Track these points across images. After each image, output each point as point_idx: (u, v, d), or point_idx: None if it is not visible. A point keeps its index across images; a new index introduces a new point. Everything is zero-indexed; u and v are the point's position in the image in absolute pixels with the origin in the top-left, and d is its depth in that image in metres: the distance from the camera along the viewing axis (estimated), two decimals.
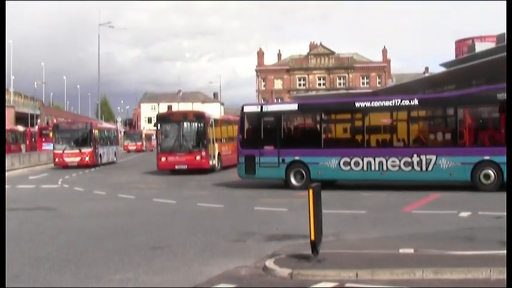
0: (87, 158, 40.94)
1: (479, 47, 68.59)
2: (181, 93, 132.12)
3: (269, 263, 9.43)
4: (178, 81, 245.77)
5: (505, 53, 41.46)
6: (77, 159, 40.84)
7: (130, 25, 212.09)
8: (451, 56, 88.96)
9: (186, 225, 14.47)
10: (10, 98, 75.39)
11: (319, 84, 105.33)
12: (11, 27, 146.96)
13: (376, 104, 22.81)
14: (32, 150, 55.39)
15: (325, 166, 22.32)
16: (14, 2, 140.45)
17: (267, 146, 23.42)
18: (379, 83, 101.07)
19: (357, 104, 22.78)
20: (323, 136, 23.25)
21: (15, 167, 40.74)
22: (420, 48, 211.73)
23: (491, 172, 20.01)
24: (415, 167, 20.99)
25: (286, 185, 23.13)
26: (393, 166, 21.34)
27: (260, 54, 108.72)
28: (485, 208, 15.74)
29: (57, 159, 41.42)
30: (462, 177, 20.42)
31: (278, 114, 23.81)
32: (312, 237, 9.42)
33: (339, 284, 8.39)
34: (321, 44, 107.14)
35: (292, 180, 22.98)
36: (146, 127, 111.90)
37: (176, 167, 32.53)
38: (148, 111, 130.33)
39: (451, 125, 21.38)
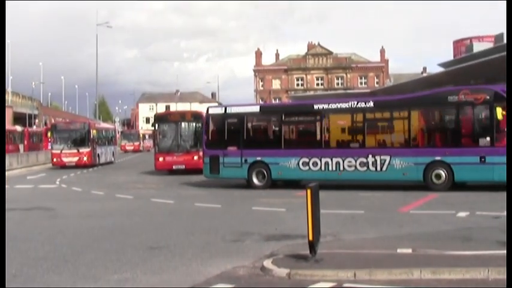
0: (85, 158, 40.95)
1: (477, 47, 68.66)
2: (179, 93, 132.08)
3: (267, 263, 9.43)
4: (176, 81, 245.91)
5: (504, 53, 41.48)
6: (75, 159, 40.85)
7: (128, 25, 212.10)
8: (449, 56, 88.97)
9: (184, 225, 14.47)
10: (8, 98, 75.25)
11: (317, 84, 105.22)
12: (9, 27, 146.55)
13: (333, 106, 23.39)
14: (31, 150, 55.33)
15: (285, 166, 23.03)
16: (12, 1, 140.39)
17: (231, 147, 24.20)
18: (377, 83, 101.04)
19: (315, 107, 23.60)
20: (283, 137, 23.96)
21: (13, 167, 40.74)
22: (418, 49, 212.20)
23: (442, 172, 20.60)
24: (370, 167, 21.65)
25: (248, 184, 23.74)
26: (349, 166, 22.01)
27: (258, 54, 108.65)
28: (483, 208, 15.74)
29: (55, 159, 41.44)
30: (415, 177, 21.00)
31: (241, 116, 24.54)
32: (310, 237, 9.42)
33: (336, 284, 8.39)
34: (319, 44, 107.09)
35: (254, 180, 23.66)
36: (144, 127, 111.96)
37: (174, 167, 32.56)
38: (146, 111, 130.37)
39: (405, 126, 21.86)
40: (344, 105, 23.24)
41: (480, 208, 15.73)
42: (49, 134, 46.59)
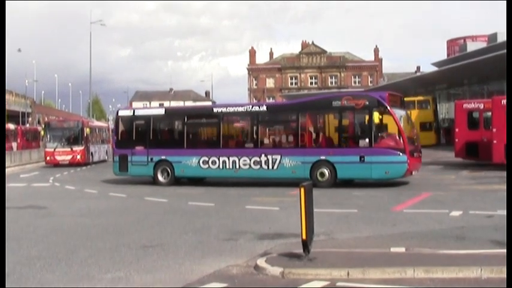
0: (78, 157, 40.85)
1: (471, 46, 68.96)
2: (173, 91, 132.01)
3: (260, 262, 9.43)
4: (170, 80, 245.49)
5: (497, 53, 41.59)
6: (68, 157, 40.73)
7: (121, 24, 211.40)
8: (442, 55, 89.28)
9: (177, 224, 14.46)
10: None
11: (311, 83, 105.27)
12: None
13: (230, 109, 25.42)
14: (24, 148, 55.12)
15: (187, 165, 24.87)
16: (6, 0, 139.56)
17: (138, 147, 26.08)
18: (370, 82, 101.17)
19: (215, 110, 26.22)
20: (186, 138, 25.75)
21: (6, 165, 40.55)
22: (412, 48, 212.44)
23: (325, 170, 22.40)
24: (263, 165, 23.50)
25: (154, 181, 25.39)
26: (245, 165, 23.85)
27: (252, 53, 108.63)
28: (476, 207, 15.77)
29: (48, 158, 41.31)
30: (302, 174, 22.41)
31: (148, 118, 26.69)
32: (304, 236, 9.43)
33: (330, 283, 8.40)
34: (312, 43, 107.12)
35: (159, 177, 25.43)
36: None
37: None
38: None
39: (294, 128, 23.82)
40: (240, 109, 25.30)
41: (473, 207, 15.76)
42: (42, 133, 46.46)
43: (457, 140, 30.47)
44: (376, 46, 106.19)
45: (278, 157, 23.21)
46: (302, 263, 9.31)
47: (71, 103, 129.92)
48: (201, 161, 24.56)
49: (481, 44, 68.73)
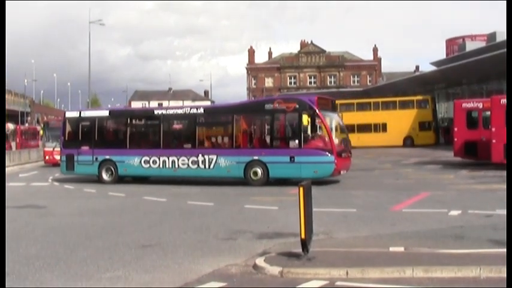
0: None
1: (470, 45, 69.02)
2: (171, 91, 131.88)
3: (259, 261, 9.43)
4: (169, 79, 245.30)
5: (496, 52, 41.62)
6: None
7: (120, 24, 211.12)
8: (441, 54, 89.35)
9: (176, 223, 14.46)
10: None
11: (310, 83, 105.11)
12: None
13: (170, 112, 27.22)
14: (23, 148, 55.09)
15: (130, 164, 25.98)
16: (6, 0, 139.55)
17: (84, 147, 27.23)
18: (369, 81, 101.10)
19: (156, 112, 27.52)
20: (128, 138, 26.94)
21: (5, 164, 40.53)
22: (411, 47, 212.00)
23: (258, 170, 23.50)
24: (200, 165, 24.60)
25: (99, 180, 26.41)
26: (183, 164, 24.96)
27: (251, 53, 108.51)
28: (475, 207, 15.76)
29: (47, 157, 41.20)
30: (237, 174, 23.95)
31: (93, 119, 27.93)
32: (303, 236, 9.42)
33: (329, 282, 8.40)
34: (311, 42, 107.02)
35: (104, 176, 26.59)
36: None
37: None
38: None
39: (229, 130, 24.93)
40: (179, 111, 27.10)
41: (472, 207, 15.75)
42: (41, 132, 46.40)
43: (456, 139, 30.45)
44: (375, 45, 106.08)
45: (214, 157, 24.32)
46: (301, 262, 9.31)
47: (70, 102, 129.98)
48: (142, 161, 25.68)
49: (480, 44, 68.80)
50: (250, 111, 25.52)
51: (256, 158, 23.55)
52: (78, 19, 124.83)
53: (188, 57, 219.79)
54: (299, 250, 9.62)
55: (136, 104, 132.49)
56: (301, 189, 9.45)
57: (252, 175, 23.52)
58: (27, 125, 75.44)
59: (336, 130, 24.55)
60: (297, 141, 22.96)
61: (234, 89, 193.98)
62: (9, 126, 59.48)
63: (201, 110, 25.82)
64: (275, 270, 8.97)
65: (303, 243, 9.51)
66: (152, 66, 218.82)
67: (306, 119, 22.19)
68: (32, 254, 11.00)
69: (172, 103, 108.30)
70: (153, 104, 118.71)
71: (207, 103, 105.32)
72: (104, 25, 62.51)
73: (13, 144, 56.53)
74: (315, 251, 9.74)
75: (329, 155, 22.44)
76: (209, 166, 24.38)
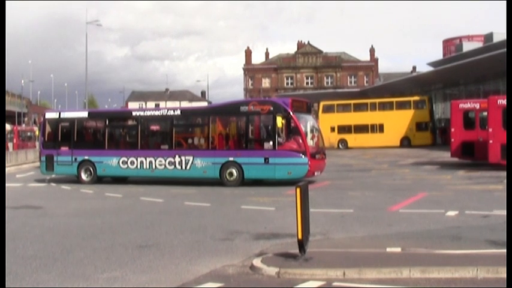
0: None
1: (467, 46, 69.02)
2: (168, 91, 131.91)
3: (256, 262, 9.43)
4: (166, 80, 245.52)
5: (493, 53, 41.66)
6: None
7: (117, 24, 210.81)
8: (438, 55, 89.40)
9: (173, 224, 14.44)
10: None
11: (307, 83, 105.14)
12: None
13: (148, 113, 27.35)
14: (20, 148, 55.00)
15: (108, 164, 26.37)
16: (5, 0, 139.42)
17: (63, 147, 27.59)
18: (366, 82, 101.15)
19: (134, 113, 27.78)
20: (107, 139, 27.30)
21: None
22: (408, 48, 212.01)
23: (234, 171, 23.91)
24: (177, 166, 25.00)
25: (78, 180, 26.74)
26: (160, 165, 25.36)
27: (248, 53, 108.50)
28: (472, 207, 15.79)
29: None
30: (213, 174, 24.34)
31: (72, 120, 28.23)
32: (299, 236, 9.43)
33: (326, 283, 8.40)
34: (308, 43, 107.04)
35: (83, 176, 26.89)
36: None
37: None
38: None
39: (205, 132, 25.37)
40: (157, 113, 27.42)
41: (469, 207, 15.78)
42: (37, 132, 46.35)
43: (453, 140, 30.47)
44: (372, 46, 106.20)
45: (190, 158, 24.71)
46: (298, 263, 9.31)
47: (66, 103, 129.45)
48: (120, 161, 26.06)
49: (477, 44, 68.85)
50: (226, 113, 25.67)
51: (231, 159, 23.92)
52: (75, 20, 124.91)
53: (185, 58, 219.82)
54: (296, 251, 9.62)
55: (134, 105, 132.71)
56: (298, 190, 9.45)
57: (227, 176, 23.89)
58: (24, 125, 75.28)
59: (311, 132, 24.91)
60: (271, 142, 23.33)
61: (231, 90, 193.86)
62: (7, 127, 59.42)
63: (178, 112, 26.41)
64: (272, 270, 8.97)
65: (300, 243, 9.51)
66: (149, 67, 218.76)
67: (280, 121, 22.64)
68: (29, 254, 10.98)
69: (169, 104, 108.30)
70: (150, 104, 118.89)
71: (204, 104, 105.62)
72: (101, 26, 62.79)
73: (10, 145, 56.46)
74: (312, 252, 9.74)
75: (303, 156, 22.92)
76: (186, 167, 24.77)
